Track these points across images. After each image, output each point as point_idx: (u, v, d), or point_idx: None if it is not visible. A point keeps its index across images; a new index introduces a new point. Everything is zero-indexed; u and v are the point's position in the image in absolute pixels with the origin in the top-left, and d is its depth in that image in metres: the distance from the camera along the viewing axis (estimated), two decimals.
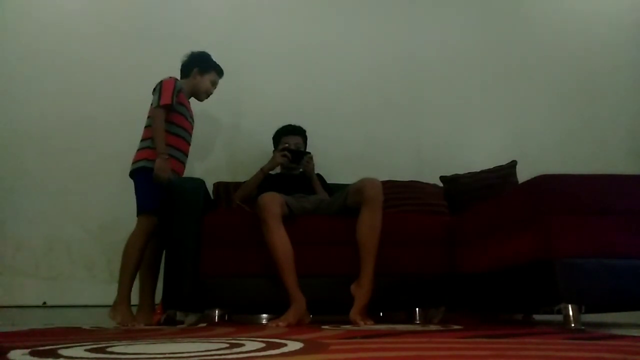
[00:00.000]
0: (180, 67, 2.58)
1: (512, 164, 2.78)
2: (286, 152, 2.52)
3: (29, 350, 0.97)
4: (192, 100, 2.60)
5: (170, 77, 2.40)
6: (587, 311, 1.61)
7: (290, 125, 2.72)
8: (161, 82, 2.38)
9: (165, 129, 2.32)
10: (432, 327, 1.67)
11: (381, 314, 2.61)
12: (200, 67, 2.55)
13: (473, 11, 3.61)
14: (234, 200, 2.53)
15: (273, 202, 2.06)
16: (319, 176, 2.66)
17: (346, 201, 2.17)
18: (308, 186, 2.54)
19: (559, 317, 1.57)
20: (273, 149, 2.74)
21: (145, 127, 2.39)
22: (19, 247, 2.71)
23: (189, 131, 2.49)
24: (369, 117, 3.31)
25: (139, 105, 2.53)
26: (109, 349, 0.99)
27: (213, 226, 2.21)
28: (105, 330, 1.75)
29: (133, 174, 2.34)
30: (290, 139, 2.65)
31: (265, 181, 2.51)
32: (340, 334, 1.35)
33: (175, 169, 2.37)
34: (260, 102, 3.18)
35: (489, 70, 3.50)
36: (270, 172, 2.58)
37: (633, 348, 0.98)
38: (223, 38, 3.23)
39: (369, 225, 2.03)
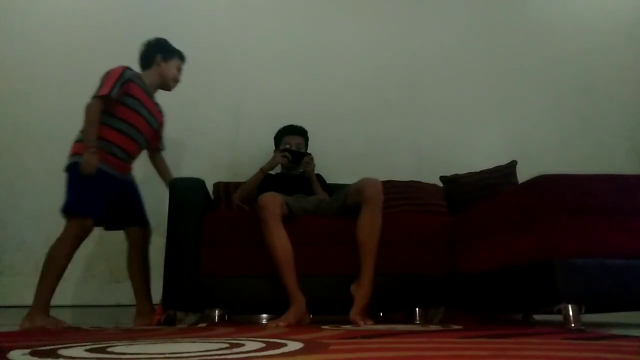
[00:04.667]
0: (139, 59, 2.41)
1: (512, 164, 2.78)
2: (286, 153, 2.52)
3: (29, 350, 0.97)
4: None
5: (121, 66, 2.21)
6: (587, 311, 1.61)
7: (292, 126, 2.72)
8: (109, 70, 2.19)
9: (106, 122, 2.14)
10: (432, 327, 1.67)
11: (381, 314, 2.61)
12: (163, 53, 2.39)
13: (473, 11, 3.62)
14: (233, 201, 2.53)
15: (273, 202, 2.06)
16: (319, 176, 2.66)
17: (346, 201, 2.17)
18: (308, 187, 2.54)
19: (559, 317, 1.57)
20: (273, 149, 2.74)
21: None
22: (19, 247, 2.71)
23: (138, 128, 2.25)
24: (369, 117, 3.31)
25: None
26: (109, 349, 0.99)
27: (213, 226, 2.21)
28: (105, 330, 1.75)
29: (67, 168, 2.14)
30: (291, 139, 2.65)
31: (265, 181, 2.51)
32: (340, 334, 1.35)
33: (117, 169, 2.20)
34: (260, 102, 3.18)
35: (489, 70, 3.51)
36: (270, 172, 2.58)
37: (633, 348, 0.98)
38: (223, 38, 3.23)
39: (369, 225, 2.02)
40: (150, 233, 2.35)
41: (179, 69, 2.45)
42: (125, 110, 2.20)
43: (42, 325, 1.92)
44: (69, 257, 2.04)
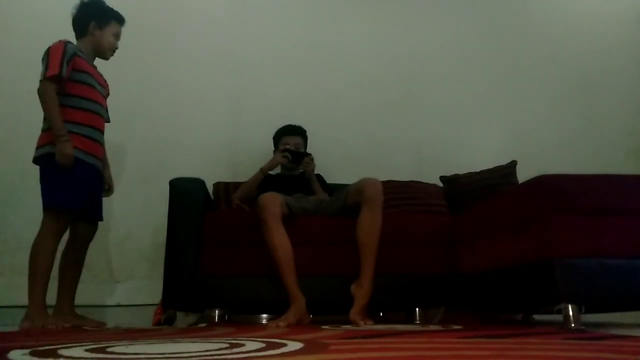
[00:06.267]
0: (72, 26, 2.19)
1: (512, 164, 2.78)
2: (287, 153, 2.52)
3: (29, 350, 0.97)
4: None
5: (60, 41, 2.04)
6: (587, 311, 1.61)
7: (290, 125, 2.72)
8: (48, 48, 2.03)
9: (66, 103, 2.01)
10: (432, 327, 1.67)
11: (381, 314, 2.61)
12: (98, 20, 2.16)
13: (472, 11, 3.61)
14: (233, 201, 2.53)
15: (273, 202, 2.06)
16: (319, 176, 2.66)
17: (346, 201, 2.17)
18: (307, 187, 2.54)
19: (559, 317, 1.57)
20: (273, 149, 2.74)
21: None
22: (18, 247, 2.70)
23: (99, 102, 2.15)
24: (369, 117, 3.30)
25: (139, 105, 2.53)
26: (109, 349, 0.99)
27: (213, 226, 2.21)
28: (105, 330, 1.75)
29: (39, 161, 2.03)
30: (290, 139, 2.65)
31: (265, 181, 2.51)
32: (340, 334, 1.35)
33: (91, 151, 2.08)
34: (260, 102, 3.18)
35: (489, 70, 3.50)
36: (270, 172, 2.58)
37: (633, 348, 0.98)
38: (223, 38, 3.23)
39: (369, 225, 2.03)
40: (96, 230, 2.23)
41: (117, 36, 2.24)
42: (80, 86, 2.07)
43: (42, 325, 1.88)
44: (52, 253, 1.97)
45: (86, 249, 2.21)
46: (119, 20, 2.25)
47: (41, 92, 1.98)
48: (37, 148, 2.05)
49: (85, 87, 2.09)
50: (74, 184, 2.00)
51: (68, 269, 2.15)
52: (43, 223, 1.98)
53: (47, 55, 2.02)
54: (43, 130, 2.05)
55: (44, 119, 2.06)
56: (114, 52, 2.26)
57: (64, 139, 1.93)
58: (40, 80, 1.99)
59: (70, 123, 2.01)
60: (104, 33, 2.19)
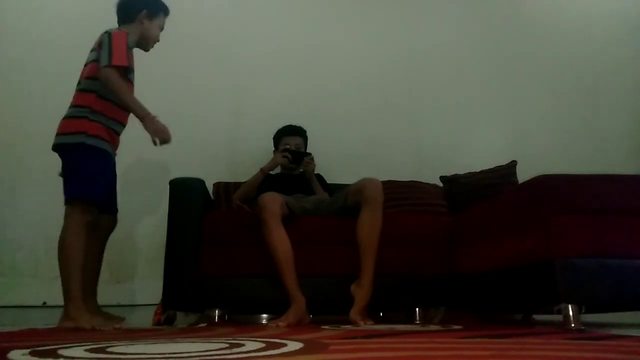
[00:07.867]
0: (118, 10, 2.12)
1: (512, 164, 2.78)
2: (287, 153, 2.52)
3: (29, 350, 0.97)
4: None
5: (123, 31, 1.99)
6: (587, 311, 1.61)
7: (291, 126, 2.72)
8: (109, 34, 1.93)
9: (104, 95, 1.93)
10: (432, 327, 1.67)
11: (381, 314, 2.61)
12: (150, 9, 2.11)
13: (473, 11, 3.61)
14: (233, 201, 2.53)
15: (273, 202, 2.06)
16: (319, 176, 2.66)
17: (346, 201, 2.17)
18: (307, 187, 2.54)
19: (559, 317, 1.57)
20: (273, 149, 2.74)
21: (80, 90, 1.96)
22: (19, 248, 2.71)
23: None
24: (369, 117, 3.30)
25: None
26: (109, 349, 0.99)
27: (213, 226, 2.21)
28: (105, 330, 1.75)
29: (66, 149, 1.92)
30: (290, 140, 2.65)
31: (265, 181, 2.51)
32: (340, 334, 1.35)
33: (115, 145, 2.04)
34: (261, 102, 3.18)
35: (489, 70, 3.50)
36: (270, 172, 2.58)
37: (633, 348, 0.98)
38: (223, 38, 3.22)
39: (369, 225, 2.03)
40: (117, 222, 2.15)
41: (162, 28, 2.19)
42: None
43: (92, 326, 1.75)
44: (82, 247, 1.83)
45: (105, 244, 2.12)
46: (166, 12, 2.20)
47: (109, 79, 1.87)
48: (63, 135, 1.92)
49: (128, 82, 2.01)
50: (101, 177, 1.93)
51: (91, 264, 2.01)
52: (68, 216, 1.86)
53: (111, 41, 1.91)
54: (73, 117, 1.93)
55: (71, 105, 1.96)
56: (154, 44, 2.19)
57: (152, 116, 1.88)
58: (105, 66, 1.87)
59: (103, 115, 1.94)
60: (152, 24, 2.12)
